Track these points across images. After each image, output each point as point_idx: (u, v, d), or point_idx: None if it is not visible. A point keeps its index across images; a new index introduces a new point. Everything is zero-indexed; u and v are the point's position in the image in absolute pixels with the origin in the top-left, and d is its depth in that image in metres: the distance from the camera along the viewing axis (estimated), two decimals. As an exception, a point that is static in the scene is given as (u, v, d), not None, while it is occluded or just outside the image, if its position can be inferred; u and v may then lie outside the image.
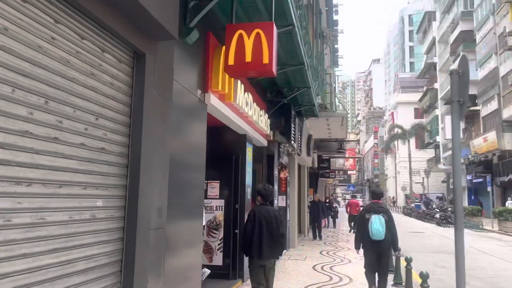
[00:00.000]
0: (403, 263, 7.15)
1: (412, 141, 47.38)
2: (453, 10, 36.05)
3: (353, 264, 9.83)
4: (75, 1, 2.65)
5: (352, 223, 17.87)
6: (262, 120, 8.38)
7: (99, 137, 3.04)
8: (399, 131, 48.49)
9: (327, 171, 25.25)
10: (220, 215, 7.52)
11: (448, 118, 31.33)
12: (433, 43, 43.48)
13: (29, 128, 2.37)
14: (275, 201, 9.88)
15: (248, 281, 7.69)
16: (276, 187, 10.03)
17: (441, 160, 39.57)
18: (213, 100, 5.39)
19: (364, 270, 6.70)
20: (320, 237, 15.25)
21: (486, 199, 26.62)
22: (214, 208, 7.55)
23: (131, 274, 3.30)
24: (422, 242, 15.75)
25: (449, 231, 19.55)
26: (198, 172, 5.16)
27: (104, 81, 3.10)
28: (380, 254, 6.21)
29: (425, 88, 47.46)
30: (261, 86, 9.00)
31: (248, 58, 4.24)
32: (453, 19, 35.79)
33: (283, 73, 8.52)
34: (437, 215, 25.31)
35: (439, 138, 40.04)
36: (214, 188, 7.57)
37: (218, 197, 7.54)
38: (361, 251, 6.50)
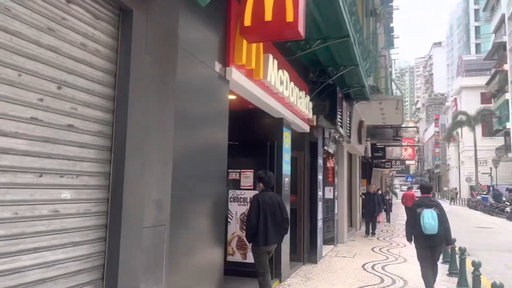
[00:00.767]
0: (469, 266, 6.20)
1: (478, 128, 43.78)
2: (527, -18, 32.40)
3: (408, 263, 8.74)
4: None
5: None
6: (303, 102, 7.50)
7: (64, 111, 2.40)
8: (463, 117, 44.99)
9: (382, 160, 23.65)
10: (255, 207, 6.78)
11: (520, 102, 28.30)
12: (502, 21, 39.65)
13: None
14: (319, 192, 8.99)
15: (287, 281, 6.95)
16: (320, 177, 9.13)
17: (512, 149, 36.17)
18: (236, 75, 4.62)
19: (420, 269, 6.25)
20: (373, 233, 13.78)
21: None
22: (248, 200, 6.83)
23: (115, 281, 2.66)
24: (490, 239, 14.05)
25: (523, 227, 17.48)
26: (218, 162, 4.43)
27: (70, 41, 2.44)
28: (432, 248, 6.12)
29: (493, 71, 43.55)
30: (302, 64, 8.10)
31: (268, 16, 3.43)
32: (527, -8, 32.18)
33: (326, 49, 7.57)
34: (508, 209, 22.90)
35: (509, 125, 36.56)
36: (248, 177, 6.84)
37: (252, 187, 6.81)
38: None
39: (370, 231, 13.78)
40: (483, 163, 44.19)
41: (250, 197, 6.84)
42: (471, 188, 44.35)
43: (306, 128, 8.25)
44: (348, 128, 11.15)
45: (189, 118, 3.81)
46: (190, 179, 3.82)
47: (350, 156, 14.95)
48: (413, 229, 6.14)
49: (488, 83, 43.59)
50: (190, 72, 3.82)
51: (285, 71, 6.30)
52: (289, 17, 3.36)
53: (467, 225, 18.33)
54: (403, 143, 26.64)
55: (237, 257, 6.77)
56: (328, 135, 9.81)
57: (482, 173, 44.36)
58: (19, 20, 2.12)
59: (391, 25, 20.94)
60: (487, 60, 46.52)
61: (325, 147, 9.65)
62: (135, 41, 2.86)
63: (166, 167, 3.28)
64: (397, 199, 42.38)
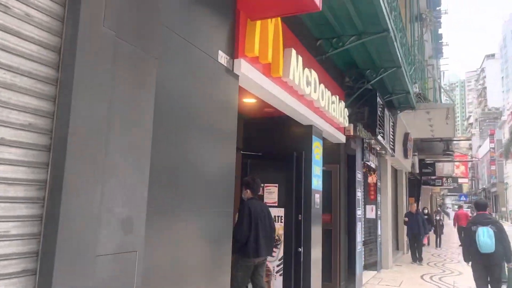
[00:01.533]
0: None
1: (540, 143, 40.29)
2: None
3: (466, 296, 7.45)
4: None
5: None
6: (336, 108, 6.59)
7: (-36, 92, 1.71)
8: (522, 132, 41.64)
9: (432, 177, 21.84)
10: (279, 227, 5.91)
11: None
12: None
13: None
14: (358, 211, 7.94)
15: (318, 315, 5.97)
16: (359, 194, 8.09)
17: None
18: (245, 69, 3.85)
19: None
20: (420, 259, 11.96)
21: None
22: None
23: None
24: None
25: None
26: (224, 174, 3.63)
27: (-22, -4, 1.78)
28: (490, 268, 5.88)
29: (555, 81, 40.22)
30: (336, 68, 7.23)
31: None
32: None
33: (362, 48, 6.69)
34: None
35: None
36: (272, 193, 5.99)
37: (276, 204, 5.96)
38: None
39: (417, 256, 12.13)
40: (547, 181, 40.58)
41: (275, 216, 6.02)
42: (534, 208, 40.73)
43: (342, 138, 7.30)
44: (391, 139, 10.04)
45: (183, 120, 3.07)
46: (178, 190, 3.04)
47: (395, 171, 13.69)
48: (469, 248, 5.99)
49: (549, 95, 40.23)
50: (181, 62, 3.09)
51: (312, 71, 5.47)
52: (300, -20, 2.57)
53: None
54: (454, 159, 24.69)
55: (260, 285, 5.88)
56: (368, 146, 8.78)
57: (546, 192, 40.64)
58: None
59: (439, 31, 19.49)
60: (548, 69, 43.13)
61: (365, 160, 8.62)
62: (86, 9, 2.16)
63: (139, 174, 2.53)
64: (449, 219, 39.60)
